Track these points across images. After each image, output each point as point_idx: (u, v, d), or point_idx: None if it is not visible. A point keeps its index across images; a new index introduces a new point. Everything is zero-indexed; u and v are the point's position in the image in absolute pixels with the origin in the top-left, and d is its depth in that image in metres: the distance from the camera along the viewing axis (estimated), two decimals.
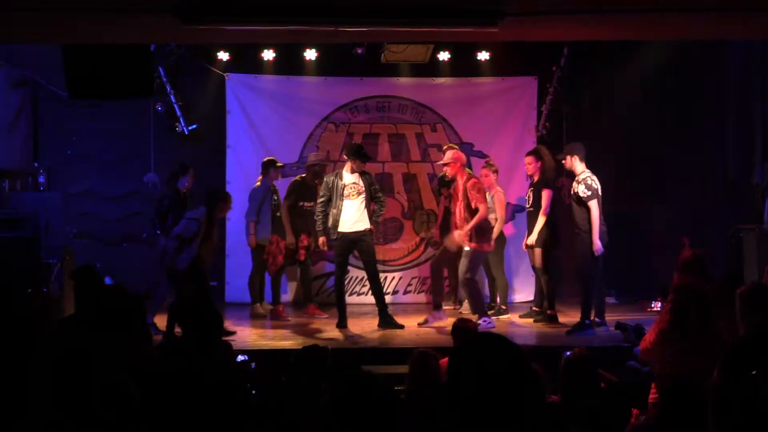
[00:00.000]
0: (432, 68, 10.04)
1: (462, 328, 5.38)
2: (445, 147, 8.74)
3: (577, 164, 7.63)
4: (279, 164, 8.97)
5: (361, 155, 7.90)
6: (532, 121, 10.18)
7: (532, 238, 8.12)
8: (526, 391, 1.74)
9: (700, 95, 9.66)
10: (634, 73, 9.51)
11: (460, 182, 7.92)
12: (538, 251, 8.19)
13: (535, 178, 8.31)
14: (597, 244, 7.39)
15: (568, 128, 9.94)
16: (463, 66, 10.13)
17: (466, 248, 7.84)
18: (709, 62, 9.43)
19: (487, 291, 9.26)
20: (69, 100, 8.04)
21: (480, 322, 7.66)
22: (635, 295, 9.48)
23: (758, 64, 8.95)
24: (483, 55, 9.97)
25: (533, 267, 8.51)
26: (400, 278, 10.17)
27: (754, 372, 3.56)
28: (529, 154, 8.44)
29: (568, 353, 4.35)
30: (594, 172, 7.62)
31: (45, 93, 9.39)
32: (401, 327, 7.84)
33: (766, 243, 7.88)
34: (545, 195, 8.12)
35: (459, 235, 7.85)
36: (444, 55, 9.88)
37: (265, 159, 8.99)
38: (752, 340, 4.24)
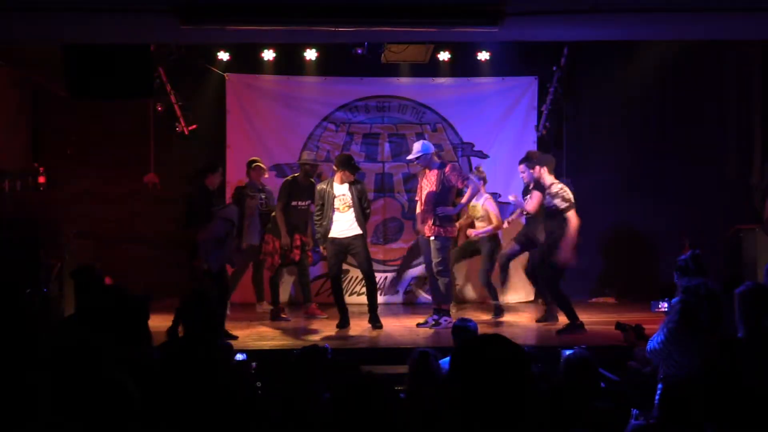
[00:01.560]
0: (432, 68, 10.04)
1: (462, 327, 5.37)
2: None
3: (546, 176, 7.62)
4: (255, 164, 8.95)
5: (350, 165, 7.89)
6: (532, 121, 10.17)
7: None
8: (526, 391, 1.74)
9: (700, 95, 9.67)
10: (634, 73, 9.50)
11: (433, 171, 7.85)
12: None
13: (531, 183, 8.25)
14: (567, 254, 7.34)
15: (568, 128, 9.94)
16: (463, 66, 10.13)
17: (432, 238, 7.81)
18: (709, 62, 9.44)
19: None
20: (69, 100, 8.03)
21: (436, 317, 7.75)
22: (635, 295, 9.48)
23: (758, 64, 8.96)
24: (483, 55, 9.97)
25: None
26: (401, 278, 10.16)
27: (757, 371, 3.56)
28: (521, 162, 8.36)
29: (568, 353, 4.35)
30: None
31: (45, 93, 9.38)
32: (380, 327, 7.85)
33: (766, 243, 7.89)
34: (536, 196, 8.05)
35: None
36: (444, 55, 9.88)
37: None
38: (752, 340, 4.25)
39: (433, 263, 7.83)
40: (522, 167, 8.11)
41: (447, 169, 7.81)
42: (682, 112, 9.79)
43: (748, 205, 8.81)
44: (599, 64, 9.57)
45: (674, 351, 4.64)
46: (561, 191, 7.45)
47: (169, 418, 3.00)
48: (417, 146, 7.91)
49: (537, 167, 7.69)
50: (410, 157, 8.05)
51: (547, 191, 7.55)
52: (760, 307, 4.31)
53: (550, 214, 7.52)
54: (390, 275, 10.14)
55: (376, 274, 9.99)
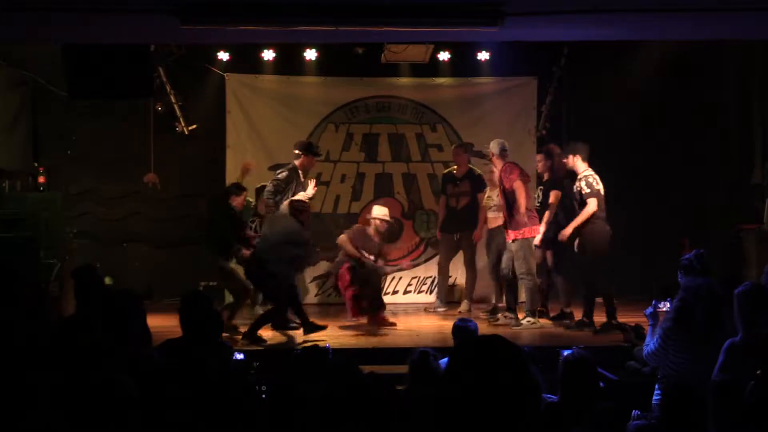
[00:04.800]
0: (432, 68, 10.04)
1: (462, 327, 5.37)
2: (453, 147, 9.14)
3: (579, 163, 7.62)
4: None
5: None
6: (532, 121, 10.17)
7: (538, 238, 7.96)
8: (525, 391, 1.74)
9: (700, 95, 9.66)
10: (634, 73, 9.50)
11: (496, 171, 7.91)
12: (548, 250, 8.24)
13: (545, 177, 8.31)
14: (568, 231, 7.48)
15: (568, 128, 9.93)
16: (463, 66, 10.12)
17: (510, 241, 7.79)
18: (709, 62, 9.43)
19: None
20: (69, 100, 8.03)
21: (523, 322, 7.71)
22: (635, 295, 9.47)
23: (758, 63, 8.96)
24: (483, 55, 9.97)
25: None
26: (400, 278, 10.16)
27: (758, 372, 3.56)
28: (539, 152, 8.43)
29: (567, 353, 4.35)
30: (594, 172, 7.62)
31: (45, 93, 9.38)
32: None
33: (766, 243, 7.89)
34: (553, 195, 8.10)
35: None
36: (444, 55, 9.87)
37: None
38: (752, 340, 4.24)
39: (515, 266, 7.77)
40: (539, 157, 8.29)
41: (504, 169, 7.83)
42: (682, 111, 9.78)
43: (748, 205, 8.80)
44: (599, 64, 9.56)
45: (670, 351, 4.64)
46: (589, 177, 7.49)
47: (168, 417, 3.00)
48: (494, 144, 7.94)
49: (570, 156, 7.68)
50: (485, 148, 8.07)
51: (578, 177, 7.58)
52: (759, 308, 4.30)
53: (579, 201, 7.57)
54: (389, 275, 10.13)
55: None
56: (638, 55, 9.27)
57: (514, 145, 10.01)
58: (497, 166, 7.90)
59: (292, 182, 7.76)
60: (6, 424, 2.50)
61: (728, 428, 3.31)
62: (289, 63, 9.94)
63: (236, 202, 7.87)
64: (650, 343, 4.82)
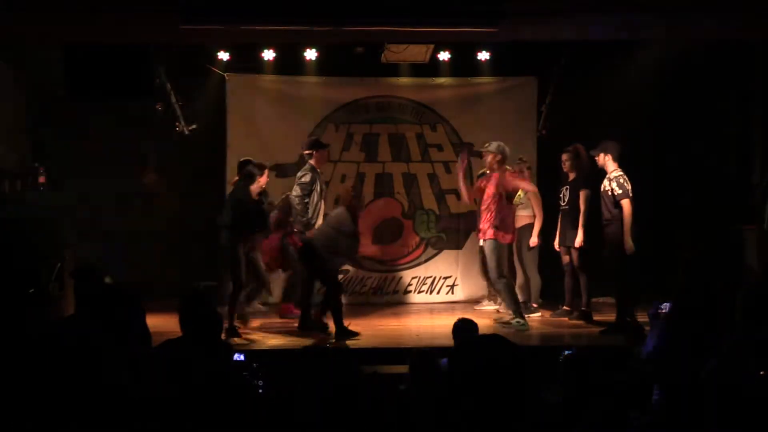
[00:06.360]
0: (432, 68, 10.03)
1: (462, 327, 5.37)
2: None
3: (609, 163, 7.67)
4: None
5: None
6: (532, 121, 10.17)
7: (579, 239, 8.09)
8: (525, 391, 1.74)
9: (700, 95, 9.66)
10: (634, 73, 9.50)
11: (495, 174, 7.95)
12: (575, 250, 8.23)
13: (570, 177, 8.31)
14: (629, 242, 7.41)
15: (568, 128, 9.93)
16: (463, 66, 10.12)
17: (486, 242, 7.83)
18: (710, 61, 9.43)
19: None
20: (69, 100, 8.03)
21: (513, 322, 7.70)
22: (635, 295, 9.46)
23: (758, 64, 8.96)
24: (483, 55, 9.96)
25: (566, 265, 8.49)
26: (400, 278, 10.17)
27: (761, 373, 3.56)
28: (565, 151, 8.43)
29: (568, 353, 4.35)
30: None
31: (45, 93, 9.38)
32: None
33: (766, 243, 7.89)
34: (582, 195, 8.13)
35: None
36: (444, 55, 9.87)
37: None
38: (752, 340, 4.24)
39: (491, 268, 7.86)
40: (566, 156, 8.31)
41: (507, 174, 7.88)
42: (682, 111, 9.78)
43: (748, 205, 8.80)
44: (599, 64, 9.56)
45: (668, 351, 4.64)
46: (619, 177, 7.55)
47: (168, 418, 3.00)
48: (494, 145, 7.98)
49: (601, 154, 7.72)
50: (485, 149, 8.05)
51: (607, 176, 7.63)
52: (759, 308, 4.30)
53: (608, 200, 7.60)
54: (389, 275, 10.13)
55: (376, 274, 10.05)
56: (638, 55, 9.26)
57: (513, 145, 10.02)
58: (493, 170, 7.92)
59: (316, 182, 7.88)
60: (6, 424, 2.50)
61: (728, 428, 3.31)
62: (289, 63, 9.93)
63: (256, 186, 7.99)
64: (649, 344, 4.83)
